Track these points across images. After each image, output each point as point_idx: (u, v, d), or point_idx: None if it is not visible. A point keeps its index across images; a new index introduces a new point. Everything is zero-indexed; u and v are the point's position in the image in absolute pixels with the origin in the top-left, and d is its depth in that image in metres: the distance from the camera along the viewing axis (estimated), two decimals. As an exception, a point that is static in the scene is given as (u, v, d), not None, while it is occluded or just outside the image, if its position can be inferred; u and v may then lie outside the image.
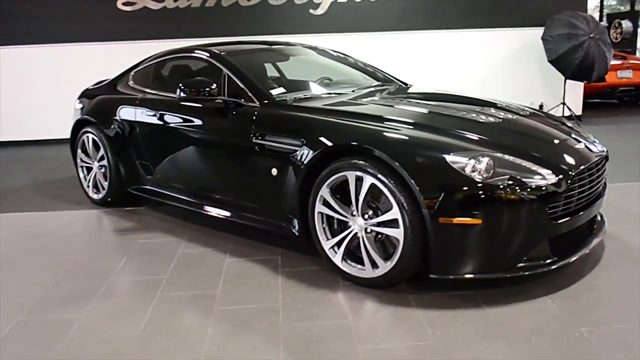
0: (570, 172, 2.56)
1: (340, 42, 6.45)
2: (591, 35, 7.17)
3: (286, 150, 2.91)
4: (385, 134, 2.65)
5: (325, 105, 3.11)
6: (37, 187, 5.12)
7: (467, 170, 2.41)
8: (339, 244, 2.78)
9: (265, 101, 3.17)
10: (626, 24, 12.43)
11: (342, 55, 4.26)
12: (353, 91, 3.52)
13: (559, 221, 2.52)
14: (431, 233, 2.43)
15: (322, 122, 2.88)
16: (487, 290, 2.59)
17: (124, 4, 7.43)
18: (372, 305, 2.55)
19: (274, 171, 2.99)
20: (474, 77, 7.75)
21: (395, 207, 2.49)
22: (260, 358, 2.15)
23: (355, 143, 2.63)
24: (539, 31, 7.47)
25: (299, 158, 2.83)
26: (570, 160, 2.66)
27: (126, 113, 4.01)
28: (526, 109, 3.36)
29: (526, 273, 2.51)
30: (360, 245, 2.69)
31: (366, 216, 2.65)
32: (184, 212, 3.91)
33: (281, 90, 3.36)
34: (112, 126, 4.09)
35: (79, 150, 4.44)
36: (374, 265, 2.64)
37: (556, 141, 2.85)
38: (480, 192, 2.37)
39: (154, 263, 3.14)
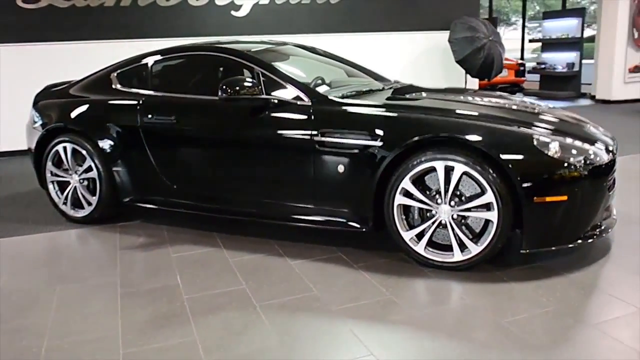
0: (614, 149, 2.97)
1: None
2: (490, 38, 8.07)
3: (357, 147, 2.93)
4: (473, 124, 2.81)
5: (384, 101, 3.17)
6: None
7: (552, 152, 2.68)
8: (420, 233, 2.88)
9: (316, 99, 3.14)
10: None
11: (332, 54, 4.30)
12: (382, 89, 3.61)
13: (610, 192, 2.92)
14: (526, 212, 2.66)
15: (400, 117, 2.95)
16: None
17: (24, 0, 6.58)
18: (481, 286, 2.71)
19: (341, 168, 2.99)
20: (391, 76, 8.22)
21: (490, 192, 2.68)
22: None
23: (446, 134, 2.75)
24: (446, 34, 8.19)
25: (374, 153, 2.87)
26: (606, 139, 3.07)
27: (124, 118, 3.64)
28: (527, 102, 3.75)
29: (589, 240, 2.86)
30: (437, 232, 2.85)
31: (452, 203, 2.80)
32: (191, 220, 3.72)
33: (324, 87, 3.35)
34: (104, 133, 3.67)
35: (49, 163, 3.91)
36: (463, 249, 2.80)
37: (584, 125, 3.25)
38: (565, 171, 2.66)
39: (215, 274, 2.94)
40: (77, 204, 3.89)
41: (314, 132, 3.03)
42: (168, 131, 3.50)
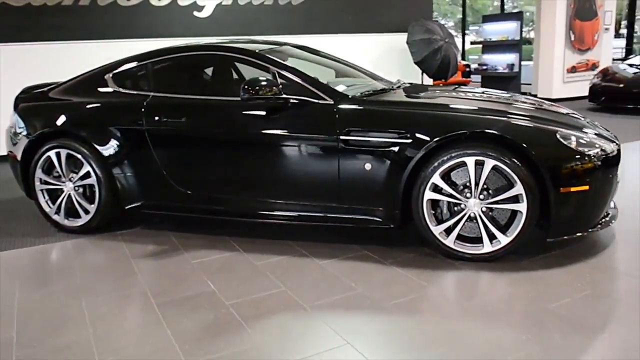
0: (616, 140, 3.19)
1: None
2: (446, 40, 8.37)
3: (385, 144, 2.96)
4: (504, 121, 2.92)
5: (407, 99, 3.22)
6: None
7: (573, 145, 2.84)
8: (449, 227, 2.96)
9: (338, 98, 3.15)
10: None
11: (329, 55, 4.32)
12: (393, 88, 3.66)
13: (618, 181, 3.13)
14: (553, 202, 2.80)
15: (429, 114, 3.02)
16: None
17: (-29, -3, 6.13)
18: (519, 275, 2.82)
19: (368, 166, 3.01)
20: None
21: (519, 184, 2.80)
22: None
23: (479, 130, 2.84)
24: (403, 36, 8.41)
25: (403, 150, 2.92)
26: (606, 132, 3.29)
27: (127, 120, 3.48)
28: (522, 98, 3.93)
29: (603, 227, 3.05)
30: (464, 225, 2.94)
31: (481, 196, 2.89)
32: (196, 225, 3.65)
33: (342, 87, 3.35)
34: (104, 137, 3.49)
35: (39, 171, 3.66)
36: (491, 240, 2.91)
37: (582, 118, 3.45)
38: (586, 162, 2.82)
39: (247, 279, 2.88)
40: (70, 213, 3.67)
41: (339, 131, 3.03)
42: (179, 133, 3.39)
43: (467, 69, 12.12)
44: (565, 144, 2.83)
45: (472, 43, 12.84)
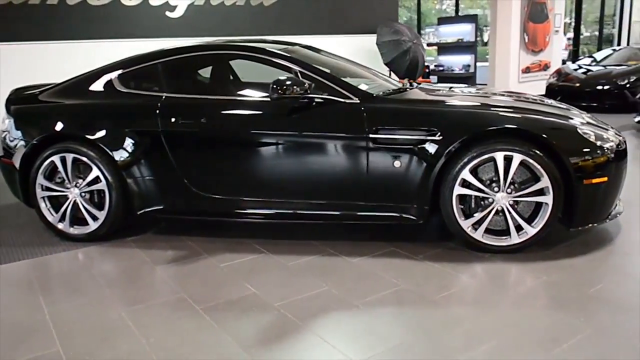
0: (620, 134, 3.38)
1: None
2: (414, 42, 8.56)
3: (415, 142, 3.01)
4: (531, 118, 3.04)
5: (432, 97, 3.28)
6: None
7: (592, 139, 3.00)
8: (478, 221, 3.04)
9: (364, 97, 3.16)
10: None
11: (337, 55, 4.31)
12: (407, 88, 3.70)
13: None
14: (577, 194, 2.94)
15: (458, 112, 3.09)
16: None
17: None
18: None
19: (397, 164, 3.06)
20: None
21: (545, 177, 2.92)
22: (543, 321, 2.35)
23: (509, 126, 2.94)
24: (372, 37, 8.54)
25: (434, 147, 2.98)
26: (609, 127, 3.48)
27: (140, 122, 3.36)
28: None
29: (615, 217, 3.23)
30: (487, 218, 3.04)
31: (509, 190, 3.00)
32: (210, 229, 3.59)
33: (364, 86, 3.37)
34: (114, 140, 3.35)
35: (40, 177, 3.47)
36: (519, 232, 3.02)
37: (581, 113, 3.63)
38: (604, 154, 2.99)
39: (285, 279, 2.85)
40: (75, 220, 3.50)
41: (368, 130, 3.05)
42: (199, 135, 3.30)
43: (427, 70, 12.44)
44: (585, 137, 2.98)
45: (428, 45, 13.17)
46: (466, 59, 12.32)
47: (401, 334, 2.27)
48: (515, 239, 3.03)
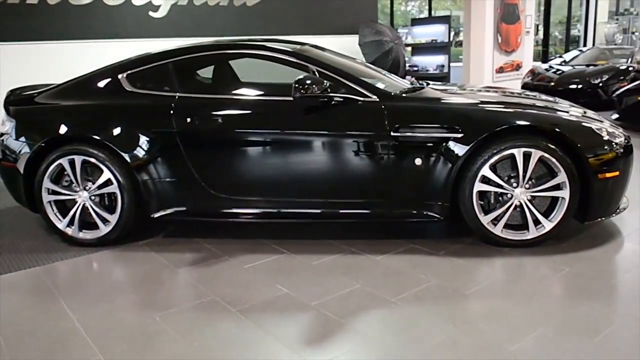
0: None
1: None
2: (395, 42, 8.67)
3: (437, 139, 3.05)
4: (550, 115, 3.14)
5: (450, 96, 3.34)
6: None
7: (604, 134, 3.11)
8: (497, 216, 3.11)
9: (383, 96, 3.18)
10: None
11: (344, 55, 4.30)
12: (423, 86, 3.73)
13: (631, 167, 3.46)
14: (593, 188, 3.04)
15: (478, 109, 3.15)
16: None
17: None
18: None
19: (418, 161, 3.09)
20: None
21: (563, 173, 3.01)
22: (578, 311, 2.42)
23: (532, 124, 3.02)
24: (353, 38, 8.60)
25: (455, 145, 3.03)
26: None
27: (153, 122, 3.30)
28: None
29: (623, 210, 3.35)
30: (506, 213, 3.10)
31: (527, 185, 3.07)
32: (223, 230, 3.56)
33: (381, 85, 3.39)
34: (126, 141, 3.28)
35: (47, 180, 3.36)
36: (537, 226, 3.10)
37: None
38: (616, 149, 3.10)
39: (314, 279, 2.84)
40: (84, 224, 3.40)
41: (389, 128, 3.08)
42: (217, 135, 3.26)
43: (403, 70, 12.58)
44: (599, 133, 3.09)
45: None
46: (440, 59, 12.51)
47: (444, 329, 2.30)
48: (533, 233, 3.10)
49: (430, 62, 12.63)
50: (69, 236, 3.41)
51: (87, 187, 3.36)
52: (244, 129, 3.26)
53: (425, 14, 17.00)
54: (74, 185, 3.37)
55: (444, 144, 3.05)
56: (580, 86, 8.93)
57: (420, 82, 3.94)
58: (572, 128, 3.07)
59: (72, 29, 6.42)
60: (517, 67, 11.42)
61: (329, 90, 3.10)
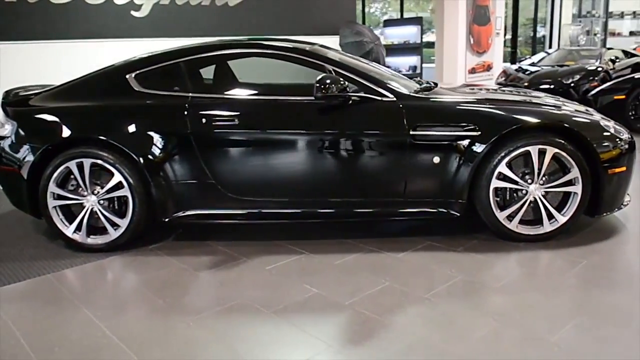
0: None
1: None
2: (375, 43, 8.73)
3: (455, 138, 3.10)
4: (563, 113, 3.22)
5: (465, 96, 3.39)
6: None
7: (612, 131, 3.22)
8: (513, 212, 3.17)
9: (399, 95, 3.20)
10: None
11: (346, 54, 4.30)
12: (433, 87, 3.76)
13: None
14: (604, 183, 3.14)
15: (495, 108, 3.19)
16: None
17: None
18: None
19: (436, 159, 3.13)
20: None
21: (575, 169, 3.10)
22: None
23: (547, 122, 3.10)
24: (334, 38, 8.63)
25: (473, 143, 3.08)
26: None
27: (167, 123, 3.22)
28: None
29: (621, 208, 3.46)
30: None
31: (542, 181, 3.15)
32: (236, 232, 3.53)
33: (395, 84, 3.41)
34: (138, 142, 3.19)
35: (52, 185, 3.23)
36: (551, 220, 3.18)
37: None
38: (623, 145, 3.21)
39: (341, 278, 2.84)
40: (92, 229, 3.30)
41: (408, 127, 3.10)
42: (235, 136, 3.20)
43: (377, 71, 12.70)
44: (607, 130, 3.20)
45: (375, 46, 13.44)
46: (412, 60, 12.66)
47: (483, 322, 2.34)
48: (547, 227, 3.18)
49: (403, 63, 12.76)
50: (76, 242, 3.29)
51: (95, 191, 3.25)
52: (260, 129, 3.22)
53: (388, 16, 17.18)
54: (80, 189, 3.26)
55: (462, 142, 3.09)
56: (552, 86, 9.19)
57: (428, 81, 3.98)
58: (584, 125, 3.16)
59: (52, 29, 6.19)
60: (488, 67, 11.70)
61: (347, 90, 3.10)
